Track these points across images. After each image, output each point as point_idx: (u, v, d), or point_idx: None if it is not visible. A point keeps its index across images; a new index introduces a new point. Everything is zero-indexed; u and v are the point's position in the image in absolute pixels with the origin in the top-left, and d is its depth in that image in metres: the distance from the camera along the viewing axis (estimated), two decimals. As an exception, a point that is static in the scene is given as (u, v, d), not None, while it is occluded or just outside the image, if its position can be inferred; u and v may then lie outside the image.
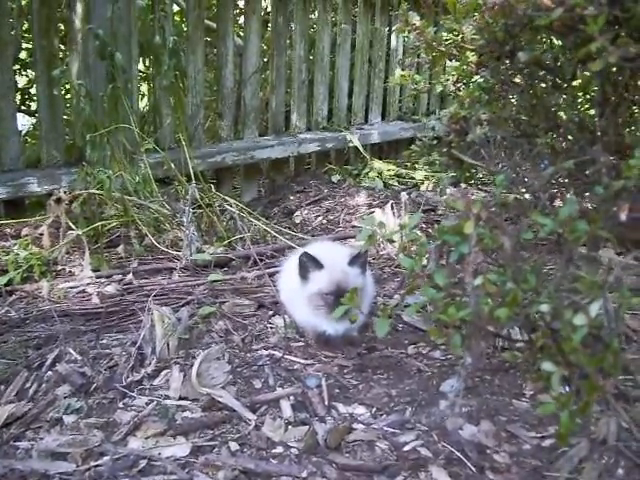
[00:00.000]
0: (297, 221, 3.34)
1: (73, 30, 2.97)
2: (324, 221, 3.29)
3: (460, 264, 1.21)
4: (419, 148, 2.77)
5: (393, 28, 4.71)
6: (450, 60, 2.08)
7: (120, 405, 1.66)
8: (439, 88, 4.58)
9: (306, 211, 3.46)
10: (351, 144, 4.18)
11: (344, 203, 3.56)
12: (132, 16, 3.05)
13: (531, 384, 1.70)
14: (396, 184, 4.00)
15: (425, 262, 1.26)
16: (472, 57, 1.84)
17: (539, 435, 1.54)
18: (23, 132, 5.02)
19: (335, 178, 4.03)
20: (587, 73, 1.38)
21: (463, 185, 3.37)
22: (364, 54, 4.59)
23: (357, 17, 4.55)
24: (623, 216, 1.03)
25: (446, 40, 1.83)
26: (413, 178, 4.06)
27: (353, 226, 3.16)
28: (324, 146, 4.11)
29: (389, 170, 4.15)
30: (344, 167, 4.23)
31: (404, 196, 2.88)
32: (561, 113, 1.37)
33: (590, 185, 1.13)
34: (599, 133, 1.23)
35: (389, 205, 2.89)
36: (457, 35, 1.82)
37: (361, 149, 4.17)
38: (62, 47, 3.44)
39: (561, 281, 1.06)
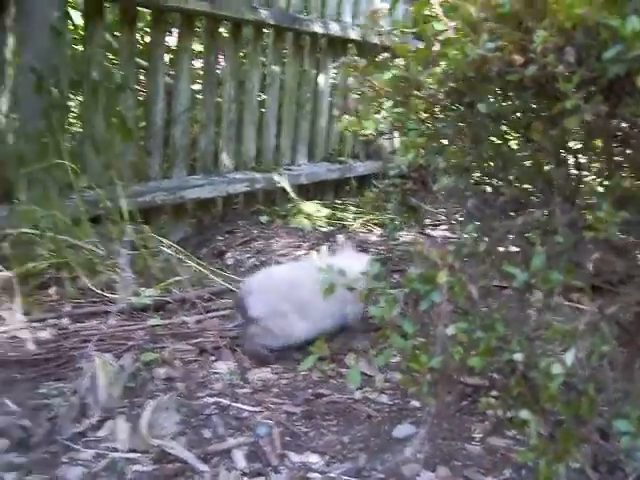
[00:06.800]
0: (229, 262, 3.30)
1: (3, 63, 2.88)
2: (257, 262, 3.27)
3: (429, 312, 1.22)
4: (375, 194, 2.78)
5: (333, 70, 4.80)
6: (396, 106, 2.09)
7: (64, 460, 1.58)
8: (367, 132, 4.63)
9: (237, 252, 3.43)
10: (279, 185, 4.19)
11: (274, 244, 3.56)
12: (64, 50, 2.99)
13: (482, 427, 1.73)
14: (324, 225, 4.02)
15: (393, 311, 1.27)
16: (420, 105, 1.85)
17: (496, 479, 1.57)
18: None
19: (264, 219, 4.02)
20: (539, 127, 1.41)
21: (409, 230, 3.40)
22: (292, 95, 4.62)
23: (286, 59, 4.59)
24: (590, 266, 1.07)
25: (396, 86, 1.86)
26: (341, 219, 4.10)
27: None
28: (253, 186, 4.10)
29: (317, 211, 4.17)
30: (272, 208, 4.23)
31: (340, 238, 2.89)
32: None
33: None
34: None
35: (324, 248, 2.90)
36: (405, 82, 1.83)
37: (289, 190, 4.17)
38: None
39: (531, 329, 1.09)
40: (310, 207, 4.21)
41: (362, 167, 5.00)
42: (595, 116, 1.05)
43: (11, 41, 2.83)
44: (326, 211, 4.23)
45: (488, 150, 1.42)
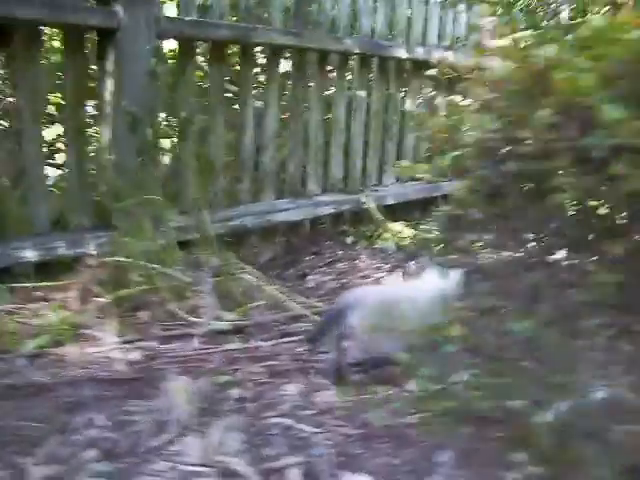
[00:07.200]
0: (310, 285, 3.48)
1: (103, 104, 3.18)
2: (336, 285, 3.44)
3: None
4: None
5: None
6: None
7: (144, 470, 1.80)
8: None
9: (319, 274, 3.62)
10: (365, 206, 4.33)
11: (357, 266, 3.72)
12: (158, 92, 3.27)
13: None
14: (408, 246, 4.12)
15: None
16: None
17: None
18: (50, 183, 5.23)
19: (349, 240, 4.19)
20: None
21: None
22: (378, 118, 4.77)
23: (372, 82, 4.75)
24: None
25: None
26: (425, 239, 4.21)
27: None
28: (339, 208, 4.28)
29: (402, 231, 4.28)
30: (358, 228, 4.38)
31: (411, 266, 3.03)
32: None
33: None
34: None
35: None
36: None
37: (374, 211, 4.32)
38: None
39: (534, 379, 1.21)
40: (396, 227, 4.34)
41: (449, 185, 5.06)
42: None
43: (110, 84, 3.13)
44: (411, 231, 4.34)
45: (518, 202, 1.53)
